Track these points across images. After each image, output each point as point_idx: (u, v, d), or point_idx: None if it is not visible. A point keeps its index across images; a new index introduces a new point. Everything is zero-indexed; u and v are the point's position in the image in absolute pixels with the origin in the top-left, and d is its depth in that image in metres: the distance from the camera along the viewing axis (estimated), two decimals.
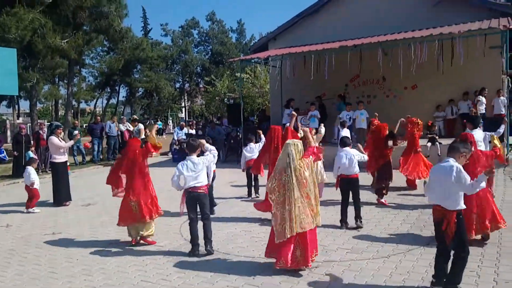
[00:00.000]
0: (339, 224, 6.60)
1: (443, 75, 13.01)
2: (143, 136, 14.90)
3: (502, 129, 8.30)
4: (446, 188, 4.00)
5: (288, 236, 4.68)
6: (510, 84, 13.15)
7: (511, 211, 6.96)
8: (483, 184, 4.01)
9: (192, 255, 5.55)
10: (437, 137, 11.15)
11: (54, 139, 9.14)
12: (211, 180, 7.61)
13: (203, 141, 6.46)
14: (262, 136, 9.25)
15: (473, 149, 5.37)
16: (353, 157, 6.57)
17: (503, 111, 12.47)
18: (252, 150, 8.95)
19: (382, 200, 7.90)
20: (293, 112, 8.00)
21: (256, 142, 9.19)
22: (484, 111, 12.42)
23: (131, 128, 17.50)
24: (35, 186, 8.72)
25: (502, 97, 12.77)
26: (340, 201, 6.67)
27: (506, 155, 11.10)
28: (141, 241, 6.18)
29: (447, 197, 4.00)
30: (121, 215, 6.19)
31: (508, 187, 8.77)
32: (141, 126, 15.59)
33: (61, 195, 9.19)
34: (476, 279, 4.33)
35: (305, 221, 4.71)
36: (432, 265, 4.72)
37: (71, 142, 10.03)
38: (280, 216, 4.73)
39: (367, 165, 8.13)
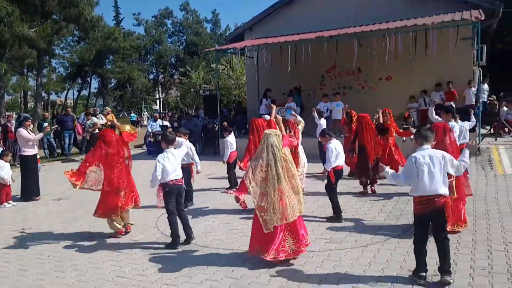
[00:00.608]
0: (316, 215, 6.61)
1: (416, 67, 13.18)
2: (96, 131, 14.24)
3: (473, 119, 8.41)
4: (443, 176, 4.06)
5: (271, 227, 4.62)
6: (481, 76, 13.43)
7: (483, 198, 7.14)
8: (468, 156, 4.25)
9: (173, 247, 5.45)
10: (412, 128, 11.31)
11: (22, 131, 8.78)
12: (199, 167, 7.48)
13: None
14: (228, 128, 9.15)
15: (451, 137, 5.43)
16: None
17: (474, 102, 12.74)
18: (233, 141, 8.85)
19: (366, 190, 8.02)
20: (271, 104, 7.90)
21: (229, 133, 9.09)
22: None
23: (104, 120, 17.07)
24: (6, 182, 8.34)
25: (473, 88, 13.04)
26: (325, 192, 6.57)
27: (478, 144, 11.38)
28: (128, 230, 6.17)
29: (445, 184, 4.07)
30: (110, 206, 5.92)
31: (480, 175, 8.98)
32: (95, 119, 14.82)
33: (31, 190, 8.85)
34: (454, 266, 4.38)
35: (295, 209, 4.73)
36: (410, 253, 4.77)
37: (41, 135, 9.65)
38: (267, 207, 4.63)
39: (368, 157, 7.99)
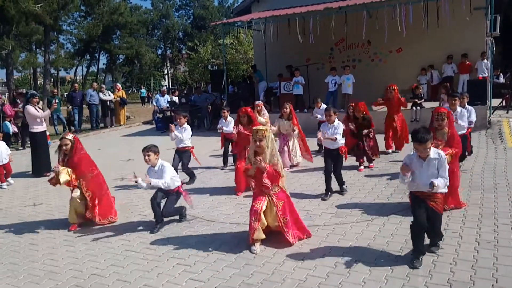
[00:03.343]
0: (322, 191, 6.62)
1: (428, 38, 12.89)
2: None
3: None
4: None
5: None
6: (494, 47, 13.08)
7: (491, 172, 7.06)
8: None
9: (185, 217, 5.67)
10: (417, 101, 11.14)
11: (30, 108, 8.83)
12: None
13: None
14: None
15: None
16: None
17: (486, 74, 12.47)
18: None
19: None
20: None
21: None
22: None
23: (111, 97, 17.10)
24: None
25: (485, 60, 12.73)
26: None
27: (489, 117, 11.19)
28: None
29: None
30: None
31: (490, 149, 8.86)
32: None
33: (41, 166, 8.97)
34: (459, 240, 4.38)
35: None
36: None
37: (48, 112, 9.71)
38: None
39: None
